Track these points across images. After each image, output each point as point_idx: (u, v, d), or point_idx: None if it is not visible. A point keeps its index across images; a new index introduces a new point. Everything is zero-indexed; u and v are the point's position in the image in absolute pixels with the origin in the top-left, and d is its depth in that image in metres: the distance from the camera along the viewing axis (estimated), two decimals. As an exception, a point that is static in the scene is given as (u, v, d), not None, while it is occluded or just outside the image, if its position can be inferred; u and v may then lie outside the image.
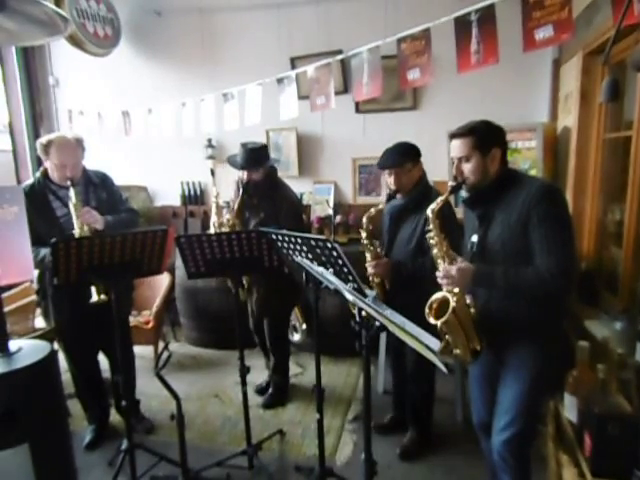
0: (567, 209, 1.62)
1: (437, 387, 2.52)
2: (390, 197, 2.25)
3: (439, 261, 1.68)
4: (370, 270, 2.28)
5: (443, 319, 1.59)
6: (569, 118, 2.96)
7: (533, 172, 3.10)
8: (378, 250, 2.32)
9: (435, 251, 1.70)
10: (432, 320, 1.61)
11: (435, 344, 1.27)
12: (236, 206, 2.64)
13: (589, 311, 2.51)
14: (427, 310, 1.65)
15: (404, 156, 2.18)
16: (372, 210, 2.28)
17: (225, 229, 2.62)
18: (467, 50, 2.18)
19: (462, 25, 2.20)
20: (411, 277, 2.19)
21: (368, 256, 2.30)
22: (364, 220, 2.29)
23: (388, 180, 2.24)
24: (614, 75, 1.70)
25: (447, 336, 1.63)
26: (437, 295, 1.67)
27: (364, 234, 2.29)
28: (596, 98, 2.67)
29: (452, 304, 1.60)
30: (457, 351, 1.66)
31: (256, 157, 2.61)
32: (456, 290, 1.63)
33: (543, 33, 1.91)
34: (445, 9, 2.30)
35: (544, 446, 1.99)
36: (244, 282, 2.76)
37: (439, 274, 1.66)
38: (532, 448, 1.75)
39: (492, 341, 1.69)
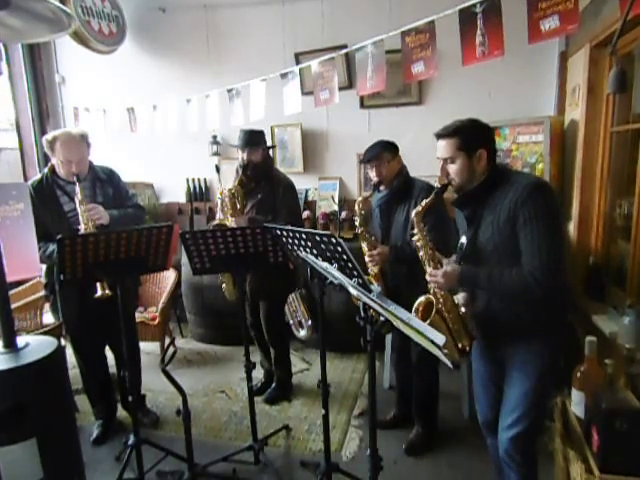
0: (555, 207, 1.57)
1: (444, 383, 2.51)
2: (375, 187, 2.37)
3: (425, 264, 1.69)
4: (368, 260, 2.31)
5: (427, 321, 1.59)
6: (576, 111, 2.92)
7: (540, 166, 3.08)
8: (373, 239, 2.36)
9: (421, 254, 1.70)
10: None
11: (441, 339, 1.26)
12: (237, 179, 2.76)
13: (597, 306, 2.49)
14: (414, 314, 1.65)
15: (382, 148, 2.33)
16: (364, 195, 2.44)
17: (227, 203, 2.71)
18: (472, 42, 2.16)
19: (467, 17, 2.17)
20: (411, 262, 2.19)
21: (364, 245, 2.33)
22: (356, 207, 2.37)
23: (371, 174, 2.37)
24: (622, 66, 1.68)
25: None
26: (421, 298, 1.69)
27: (358, 220, 2.35)
28: (604, 91, 2.64)
29: (435, 306, 1.61)
30: (445, 350, 1.66)
31: (253, 139, 2.78)
32: (442, 292, 1.64)
33: (549, 24, 1.88)
34: (450, 2, 2.28)
35: (551, 442, 1.97)
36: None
37: (427, 277, 1.67)
38: (538, 444, 1.75)
39: (497, 340, 1.68)
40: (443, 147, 1.64)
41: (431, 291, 1.67)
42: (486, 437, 1.91)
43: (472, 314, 1.70)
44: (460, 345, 1.65)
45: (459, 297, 1.73)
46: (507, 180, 1.59)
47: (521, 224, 1.50)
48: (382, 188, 2.36)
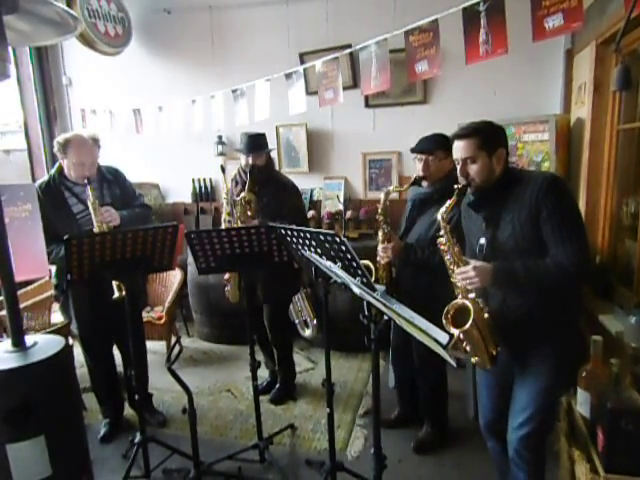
0: (574, 198, 1.62)
1: (449, 382, 2.51)
2: (415, 182, 2.26)
3: (452, 267, 1.66)
4: (380, 251, 2.27)
5: (464, 328, 1.56)
6: (582, 109, 2.91)
7: (546, 165, 3.06)
8: (391, 232, 2.28)
9: (448, 257, 1.68)
10: (451, 329, 1.59)
11: (444, 338, 1.26)
12: (247, 186, 2.67)
13: (603, 305, 2.47)
14: (444, 320, 1.62)
15: (436, 144, 2.19)
16: (396, 188, 2.37)
17: (237, 211, 2.67)
18: (475, 41, 2.15)
19: (470, 15, 2.17)
20: (417, 265, 2.20)
21: (380, 234, 2.28)
22: (383, 195, 2.27)
23: (417, 166, 2.25)
24: (626, 63, 1.67)
25: (464, 344, 1.61)
26: (455, 302, 1.64)
27: (380, 207, 2.27)
28: (610, 88, 2.62)
29: (472, 314, 1.56)
30: (476, 359, 1.64)
31: (258, 142, 2.76)
32: (471, 295, 1.62)
33: (553, 22, 1.87)
34: (453, 0, 2.27)
35: (556, 442, 1.96)
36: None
37: (457, 277, 1.63)
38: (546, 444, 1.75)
39: (509, 341, 1.67)
40: (463, 147, 1.63)
41: (459, 295, 1.64)
42: (487, 440, 1.91)
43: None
44: (489, 351, 1.63)
45: (480, 302, 1.68)
46: (521, 178, 1.61)
47: (545, 217, 1.52)
48: (424, 184, 2.25)
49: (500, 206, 1.62)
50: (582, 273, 1.54)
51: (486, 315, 1.63)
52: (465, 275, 1.60)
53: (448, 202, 1.68)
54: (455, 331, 1.58)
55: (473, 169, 1.63)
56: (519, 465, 1.71)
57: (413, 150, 2.26)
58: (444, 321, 1.61)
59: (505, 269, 1.57)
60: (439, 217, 1.68)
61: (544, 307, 1.59)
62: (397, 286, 2.34)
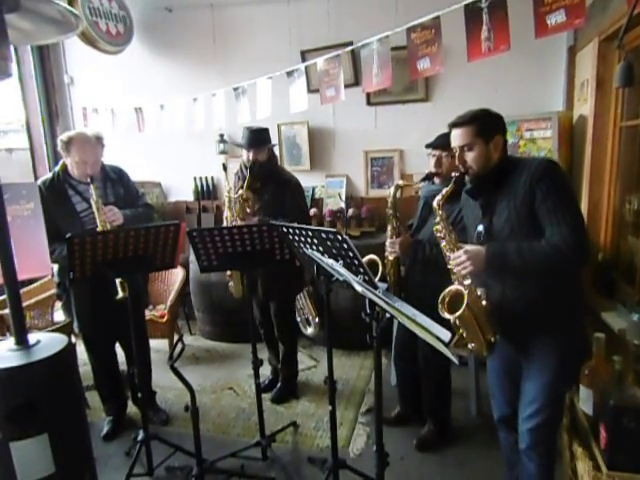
0: (568, 181, 1.62)
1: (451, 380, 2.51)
2: (426, 178, 2.25)
3: (448, 254, 1.66)
4: (388, 246, 2.25)
5: (457, 314, 1.56)
6: (585, 106, 2.90)
7: (548, 162, 3.05)
8: (400, 227, 2.27)
9: (443, 243, 1.68)
10: (446, 315, 1.59)
11: (446, 336, 1.26)
12: (246, 183, 2.63)
13: (606, 302, 2.47)
14: (440, 305, 1.62)
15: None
16: (405, 182, 2.32)
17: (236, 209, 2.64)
18: (478, 38, 2.14)
19: (472, 12, 2.16)
20: (426, 262, 2.19)
21: (389, 229, 2.26)
22: (392, 189, 2.25)
23: (431, 162, 2.23)
24: (629, 60, 1.66)
25: (461, 330, 1.61)
26: (450, 288, 1.64)
27: (390, 201, 2.25)
28: (613, 85, 2.61)
29: (466, 298, 1.56)
30: (472, 345, 1.64)
31: (260, 137, 2.71)
32: (467, 282, 1.61)
33: (555, 18, 1.87)
34: (456, -2, 2.27)
35: (559, 439, 1.96)
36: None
37: (450, 264, 1.64)
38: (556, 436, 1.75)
39: (512, 333, 1.67)
40: (460, 135, 1.63)
41: (455, 282, 1.64)
42: (499, 431, 1.91)
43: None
44: (486, 338, 1.63)
45: (479, 290, 1.68)
46: (517, 165, 1.61)
47: (540, 200, 1.51)
48: (437, 181, 2.25)
49: (497, 193, 1.63)
50: (579, 255, 1.50)
51: (484, 302, 1.63)
52: (458, 260, 1.59)
53: (444, 190, 1.68)
54: (450, 317, 1.58)
55: (470, 157, 1.63)
56: (530, 456, 1.72)
57: (428, 145, 2.25)
58: (439, 306, 1.61)
59: (498, 252, 1.56)
60: (435, 204, 1.68)
61: (543, 299, 1.58)
62: (405, 284, 2.33)
